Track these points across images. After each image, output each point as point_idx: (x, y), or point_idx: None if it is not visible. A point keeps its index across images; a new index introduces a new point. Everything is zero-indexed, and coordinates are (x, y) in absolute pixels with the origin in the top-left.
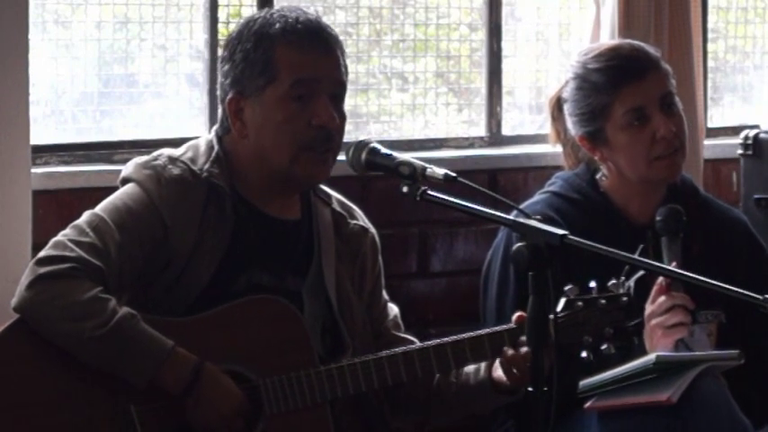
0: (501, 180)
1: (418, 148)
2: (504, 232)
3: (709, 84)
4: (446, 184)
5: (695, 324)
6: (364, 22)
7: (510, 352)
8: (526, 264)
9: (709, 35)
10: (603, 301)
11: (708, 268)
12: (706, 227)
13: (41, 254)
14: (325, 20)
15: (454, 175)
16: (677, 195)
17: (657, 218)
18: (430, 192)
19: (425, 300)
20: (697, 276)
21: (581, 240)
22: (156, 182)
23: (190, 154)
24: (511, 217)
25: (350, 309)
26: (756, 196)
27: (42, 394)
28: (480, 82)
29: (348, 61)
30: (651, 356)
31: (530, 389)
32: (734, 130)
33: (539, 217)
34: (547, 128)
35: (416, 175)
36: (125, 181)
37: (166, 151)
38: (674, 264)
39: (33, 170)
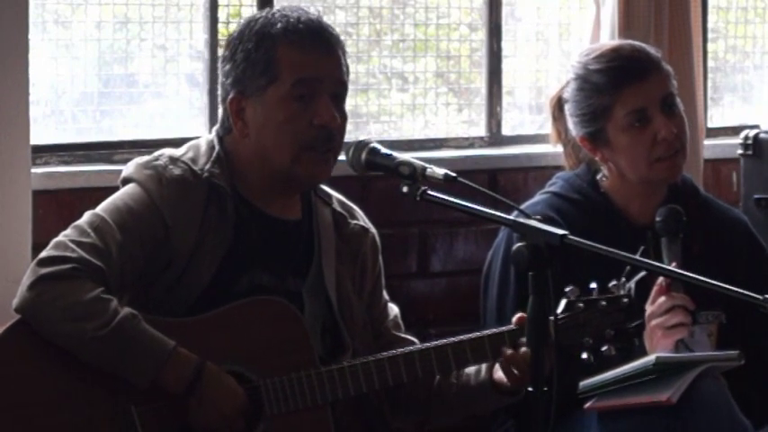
0: (501, 180)
1: (418, 148)
2: (505, 232)
3: (709, 84)
4: (446, 184)
5: (695, 325)
6: (364, 22)
7: (509, 352)
8: (526, 264)
9: (710, 35)
10: (604, 303)
11: (708, 268)
12: (706, 227)
13: (43, 254)
14: (326, 20)
15: (454, 175)
16: (678, 196)
17: (657, 218)
18: (430, 192)
19: (425, 300)
20: (697, 276)
21: (581, 240)
22: (158, 182)
23: (191, 154)
24: (511, 217)
25: (350, 309)
26: (756, 196)
27: (42, 394)
28: (480, 82)
29: (348, 61)
30: (651, 357)
31: (530, 389)
32: (734, 130)
33: (539, 217)
34: (547, 128)
35: (416, 175)
36: (126, 181)
37: (167, 151)
38: (674, 264)
39: (33, 170)
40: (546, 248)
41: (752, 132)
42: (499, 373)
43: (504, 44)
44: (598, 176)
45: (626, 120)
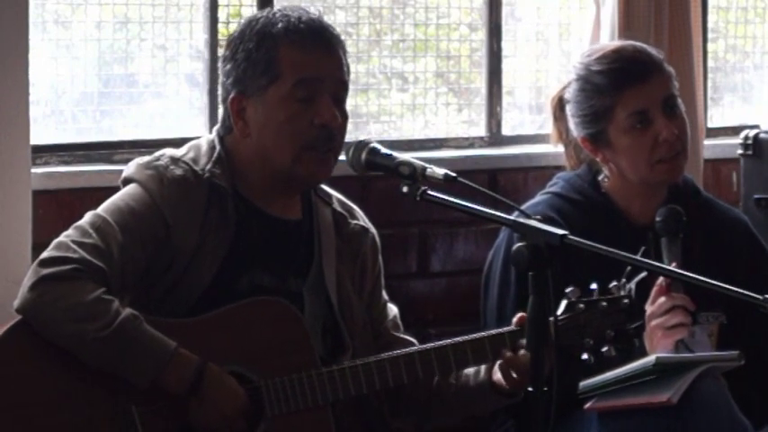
0: (501, 180)
1: (418, 148)
2: (506, 233)
3: (709, 84)
4: (446, 184)
5: (696, 325)
6: (364, 22)
7: (508, 354)
8: (526, 264)
9: (710, 35)
10: (605, 304)
11: (708, 269)
12: (707, 227)
13: (44, 255)
14: (326, 20)
15: (454, 175)
16: (678, 196)
17: (657, 218)
18: (430, 192)
19: (425, 300)
20: (697, 276)
21: (581, 240)
22: (159, 182)
23: (191, 154)
24: (511, 217)
25: (350, 309)
26: (756, 196)
27: (43, 394)
28: (480, 82)
29: (349, 61)
30: (651, 358)
31: (530, 389)
32: (734, 130)
33: (539, 217)
34: (547, 128)
35: (416, 175)
36: (127, 181)
37: (168, 151)
38: (674, 264)
39: (33, 170)
40: (546, 248)
41: (752, 132)
42: (498, 375)
43: (504, 44)
44: (599, 177)
45: (627, 121)
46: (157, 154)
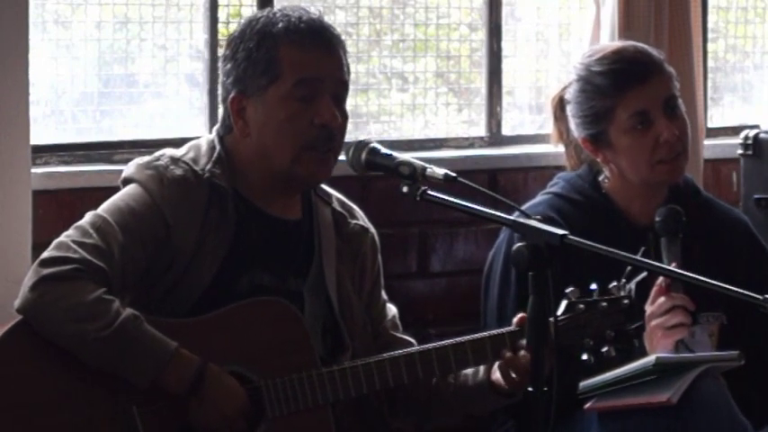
0: (501, 180)
1: (418, 148)
2: (507, 233)
3: (709, 84)
4: (446, 184)
5: (696, 325)
6: (364, 22)
7: (508, 354)
8: (526, 264)
9: (710, 35)
10: (604, 304)
11: (708, 269)
12: (707, 227)
13: (45, 255)
14: (326, 20)
15: (454, 175)
16: (679, 196)
17: (657, 218)
18: (430, 192)
19: (425, 300)
20: (697, 276)
21: (581, 240)
22: (159, 182)
23: (191, 154)
24: (511, 217)
25: (350, 309)
26: (756, 196)
27: (43, 394)
28: (480, 82)
29: (349, 61)
30: (651, 358)
31: (530, 389)
32: (734, 130)
33: (539, 217)
34: (547, 128)
35: (416, 175)
36: (127, 181)
37: (168, 151)
38: (674, 264)
39: (33, 170)
40: (546, 248)
41: (752, 132)
42: (497, 375)
43: (504, 44)
44: (600, 177)
45: (628, 122)
46: (157, 154)
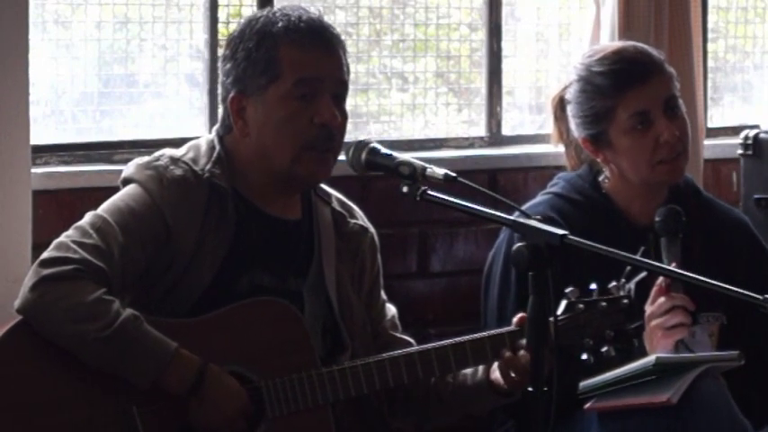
0: (501, 180)
1: (418, 148)
2: (507, 233)
3: (709, 84)
4: (446, 184)
5: (696, 325)
6: (364, 22)
7: (508, 354)
8: (526, 264)
9: (710, 35)
10: (604, 304)
11: (708, 269)
12: (707, 228)
13: (45, 255)
14: (326, 20)
15: (454, 175)
16: (679, 196)
17: (657, 218)
18: (430, 192)
19: (425, 300)
20: (697, 276)
21: (581, 240)
22: (158, 182)
23: (191, 154)
24: (511, 217)
25: (350, 309)
26: (756, 196)
27: (43, 394)
28: (480, 82)
29: (348, 61)
30: (651, 358)
31: (530, 389)
32: (734, 130)
33: (539, 217)
34: (547, 128)
35: (416, 175)
36: (126, 181)
37: (168, 152)
38: (673, 264)
39: (33, 170)
40: (546, 248)
41: (752, 132)
42: (496, 374)
43: (504, 44)
44: (600, 178)
45: (628, 122)
46: (157, 154)
